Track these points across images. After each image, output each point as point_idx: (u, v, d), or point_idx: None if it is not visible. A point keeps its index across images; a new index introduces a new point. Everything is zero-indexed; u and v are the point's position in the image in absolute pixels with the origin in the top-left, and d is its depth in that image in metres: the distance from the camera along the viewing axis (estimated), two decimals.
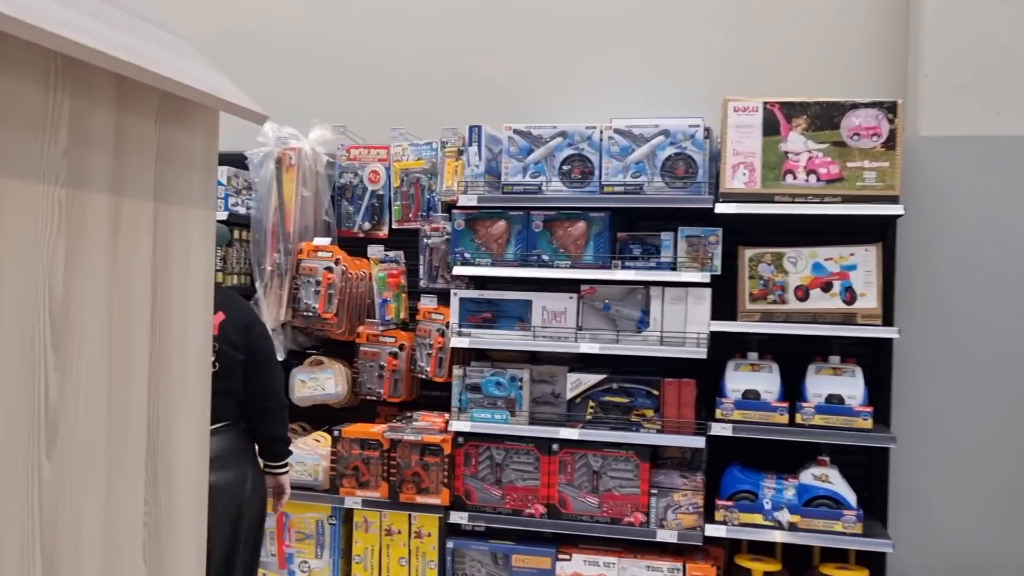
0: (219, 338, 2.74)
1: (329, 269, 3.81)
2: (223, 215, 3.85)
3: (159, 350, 1.26)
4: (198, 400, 1.38)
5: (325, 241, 3.89)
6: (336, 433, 3.68)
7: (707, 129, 3.41)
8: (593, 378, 3.45)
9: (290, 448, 3.05)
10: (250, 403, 2.85)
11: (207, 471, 1.41)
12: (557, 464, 3.46)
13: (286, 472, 3.03)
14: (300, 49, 4.46)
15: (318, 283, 3.82)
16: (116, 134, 1.15)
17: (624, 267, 3.43)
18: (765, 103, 3.32)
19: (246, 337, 2.82)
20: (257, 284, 3.90)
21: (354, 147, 4.08)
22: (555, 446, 3.46)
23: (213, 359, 2.71)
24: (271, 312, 3.87)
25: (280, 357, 3.86)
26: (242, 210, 3.98)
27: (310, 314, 3.84)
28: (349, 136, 4.05)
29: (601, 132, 3.46)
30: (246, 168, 3.98)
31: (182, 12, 4.59)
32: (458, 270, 3.58)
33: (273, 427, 2.92)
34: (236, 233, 3.93)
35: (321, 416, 4.05)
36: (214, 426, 2.69)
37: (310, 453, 3.72)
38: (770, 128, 3.31)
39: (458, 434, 3.55)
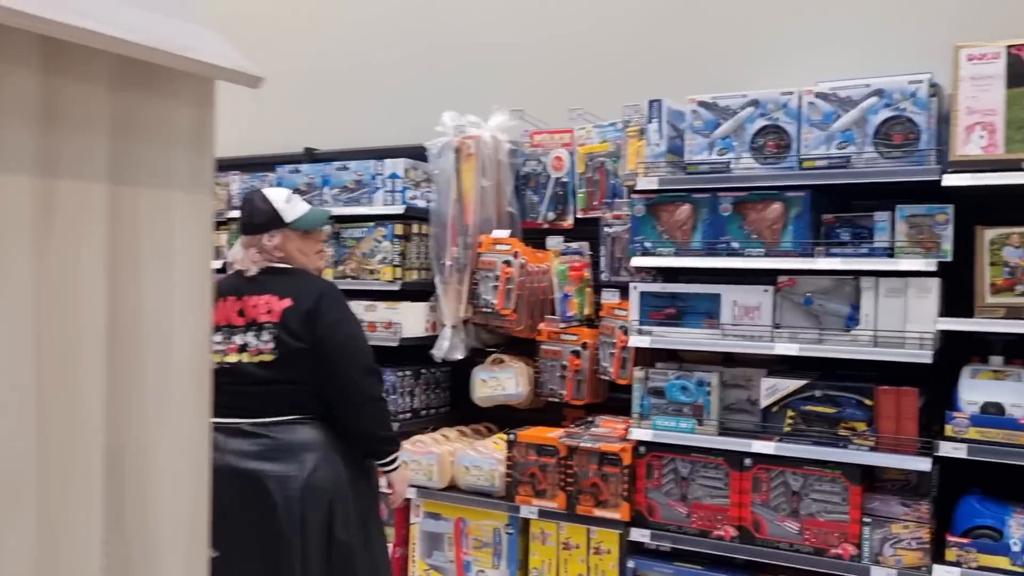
0: (279, 326, 2.62)
1: (507, 263, 3.60)
2: (399, 209, 3.76)
3: (123, 360, 1.06)
4: (191, 415, 1.18)
5: (504, 233, 3.69)
6: (512, 437, 3.46)
7: (933, 85, 2.82)
8: (792, 384, 2.97)
9: (391, 446, 2.80)
10: (328, 397, 2.65)
11: (207, 490, 1.21)
12: (750, 481, 3.01)
13: (393, 469, 2.82)
14: (475, 33, 4.29)
15: (496, 278, 3.62)
16: (42, 103, 0.97)
17: (829, 254, 2.92)
18: (1009, 47, 2.67)
19: (311, 325, 2.62)
20: (436, 280, 3.77)
21: (537, 132, 3.84)
22: (747, 461, 3.02)
23: (272, 347, 2.62)
24: (450, 308, 3.73)
25: (459, 356, 3.73)
26: (421, 203, 3.87)
27: (488, 310, 3.65)
28: (527, 120, 3.82)
29: (800, 98, 2.97)
30: (426, 160, 3.87)
31: (364, 12, 4.59)
32: (637, 261, 3.23)
33: (358, 422, 2.68)
34: (415, 227, 3.83)
35: (506, 417, 3.86)
36: (273, 419, 2.60)
37: (487, 457, 3.53)
38: (1016, 78, 2.66)
39: (639, 443, 3.21)
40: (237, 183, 4.28)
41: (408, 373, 3.80)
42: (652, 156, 3.21)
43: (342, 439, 2.69)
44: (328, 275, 3.90)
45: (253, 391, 2.62)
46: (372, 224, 3.81)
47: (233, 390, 2.55)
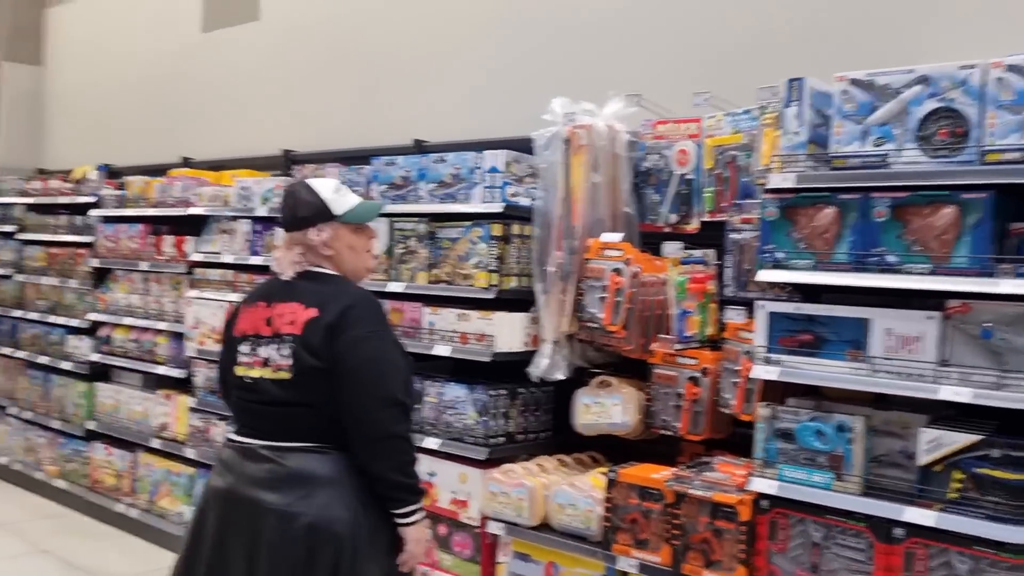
0: (298, 339, 2.27)
1: (617, 271, 3.11)
2: (497, 207, 3.34)
3: None
4: None
5: (615, 237, 3.19)
6: (611, 475, 2.96)
7: None
8: (962, 438, 2.33)
9: (411, 496, 2.31)
10: (350, 430, 2.25)
11: None
12: (901, 557, 2.39)
13: (410, 523, 2.31)
14: (590, 9, 3.81)
15: (604, 288, 3.14)
16: None
17: (1018, 274, 2.26)
18: None
19: (330, 340, 2.25)
20: (537, 288, 3.32)
21: (661, 122, 3.32)
22: (899, 531, 2.40)
23: (290, 363, 2.26)
24: (551, 321, 3.27)
25: (560, 375, 3.27)
26: (525, 201, 3.43)
27: (594, 325, 3.17)
28: (647, 108, 3.31)
29: (983, 73, 2.32)
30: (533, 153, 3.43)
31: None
32: (766, 275, 2.66)
33: (372, 461, 2.26)
34: (516, 228, 3.40)
35: (617, 446, 3.36)
36: (286, 443, 2.25)
37: (584, 495, 3.05)
38: None
39: (761, 496, 2.64)
40: (336, 176, 3.99)
41: (503, 392, 3.37)
42: (789, 147, 2.63)
43: (342, 471, 2.29)
44: (422, 279, 3.54)
45: (270, 411, 2.32)
46: (469, 224, 3.41)
47: (252, 408, 2.36)
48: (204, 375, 4.55)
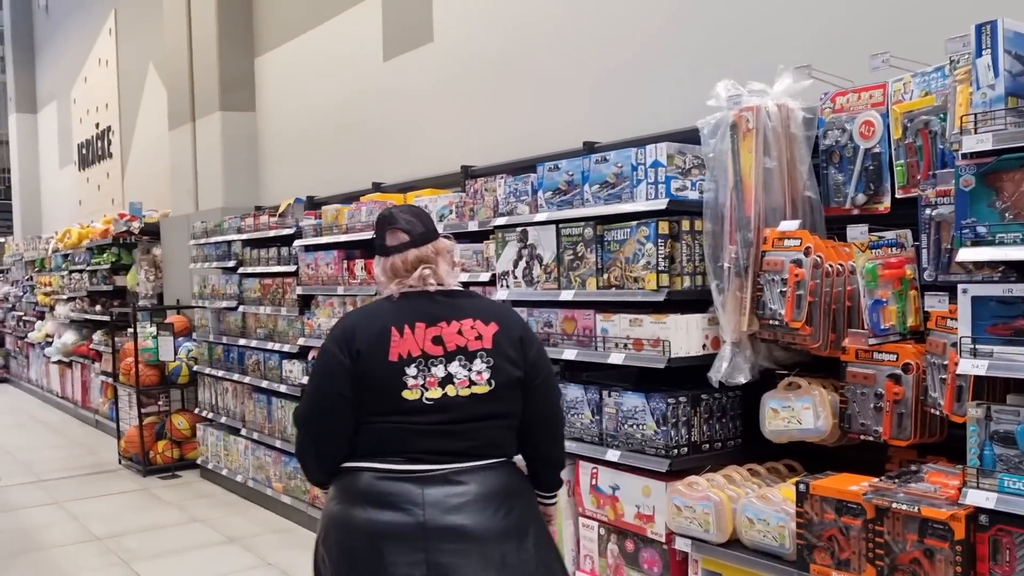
0: (493, 352, 2.33)
1: (797, 262, 2.83)
2: (661, 203, 3.14)
3: None
4: None
5: (791, 225, 2.91)
6: (803, 487, 2.68)
7: None
8: None
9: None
10: (536, 428, 2.44)
11: None
12: None
13: (555, 503, 2.66)
14: None
15: (784, 282, 2.86)
16: None
17: None
18: None
19: (524, 351, 2.39)
20: (712, 286, 3.09)
21: (840, 93, 3.00)
22: None
23: (488, 376, 2.30)
24: (730, 321, 3.03)
25: (742, 379, 3.03)
26: (692, 194, 3.22)
27: (776, 322, 2.90)
28: (819, 79, 3.00)
29: None
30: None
31: None
32: (965, 253, 2.29)
33: (557, 451, 2.57)
34: (685, 224, 3.19)
35: (815, 452, 3.07)
36: (481, 462, 2.28)
37: (775, 509, 2.79)
38: None
39: (978, 510, 2.28)
40: (502, 187, 3.95)
41: (684, 400, 3.16)
42: (983, 103, 2.26)
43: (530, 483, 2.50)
44: (592, 285, 3.41)
45: (462, 429, 2.29)
46: (634, 224, 3.24)
47: (435, 430, 2.27)
48: None
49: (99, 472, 7.68)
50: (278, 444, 6.02)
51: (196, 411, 7.46)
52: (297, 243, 5.66)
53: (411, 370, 2.28)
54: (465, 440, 2.27)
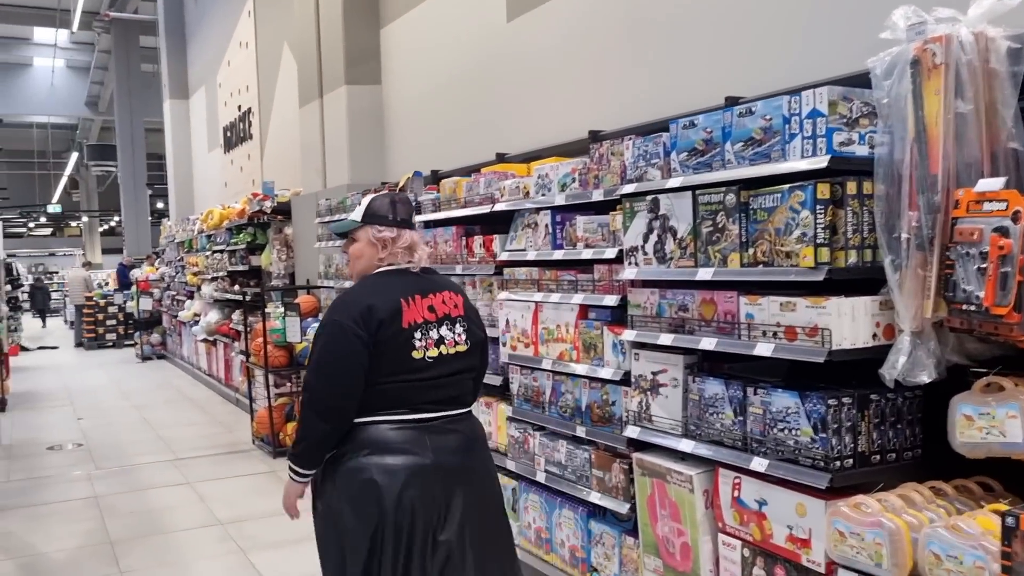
0: (466, 318, 2.83)
1: (1002, 231, 2.22)
2: (821, 162, 2.57)
3: None
4: None
5: (995, 184, 2.29)
6: (1010, 520, 2.08)
7: None
8: None
9: None
10: (479, 376, 2.96)
11: None
12: None
13: None
14: None
15: (983, 256, 2.26)
16: None
17: None
18: None
19: (477, 317, 2.94)
20: (886, 262, 2.49)
21: None
22: None
23: (465, 337, 2.80)
24: (908, 305, 2.44)
25: (925, 377, 2.44)
26: (860, 150, 2.63)
27: (972, 307, 2.30)
28: None
29: None
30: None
31: None
32: None
33: (477, 398, 2.98)
34: (851, 186, 2.61)
35: (1013, 467, 2.44)
36: (462, 410, 2.79)
37: (970, 544, 2.20)
38: None
39: None
40: (630, 150, 3.44)
41: (848, 401, 2.60)
42: None
43: None
44: (735, 262, 2.88)
45: (449, 381, 2.73)
46: (786, 187, 2.68)
47: (432, 383, 2.68)
48: (519, 382, 4.25)
49: (232, 452, 7.70)
50: None
51: None
52: (415, 219, 5.33)
53: (417, 334, 2.68)
54: (450, 390, 2.73)
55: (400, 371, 2.63)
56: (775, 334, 2.74)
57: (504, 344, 4.34)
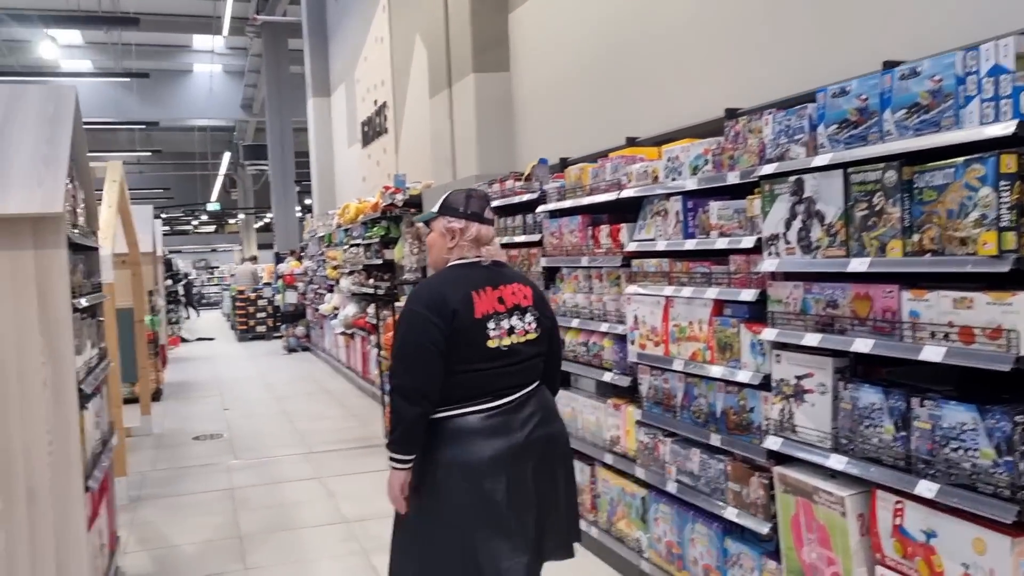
0: (535, 308, 2.93)
1: None
2: (1007, 128, 2.12)
3: None
4: None
5: None
6: None
7: None
8: None
9: None
10: (552, 360, 3.05)
11: None
12: None
13: None
14: None
15: None
16: None
17: None
18: None
19: (546, 306, 3.01)
20: None
21: None
22: None
23: (535, 326, 2.92)
24: None
25: None
26: None
27: None
28: None
29: None
30: None
31: None
32: None
33: (557, 382, 3.14)
34: None
35: None
36: (532, 387, 2.91)
37: None
38: None
39: None
40: (770, 125, 3.05)
41: None
42: None
43: None
44: (896, 251, 2.46)
45: (522, 367, 2.84)
46: (961, 161, 2.24)
47: (507, 371, 2.80)
48: (648, 383, 3.92)
49: (364, 447, 7.69)
50: None
51: None
52: (540, 209, 5.07)
53: (491, 324, 2.79)
54: (523, 376, 2.86)
55: (476, 359, 2.75)
56: (946, 335, 2.30)
57: (632, 342, 4.01)
